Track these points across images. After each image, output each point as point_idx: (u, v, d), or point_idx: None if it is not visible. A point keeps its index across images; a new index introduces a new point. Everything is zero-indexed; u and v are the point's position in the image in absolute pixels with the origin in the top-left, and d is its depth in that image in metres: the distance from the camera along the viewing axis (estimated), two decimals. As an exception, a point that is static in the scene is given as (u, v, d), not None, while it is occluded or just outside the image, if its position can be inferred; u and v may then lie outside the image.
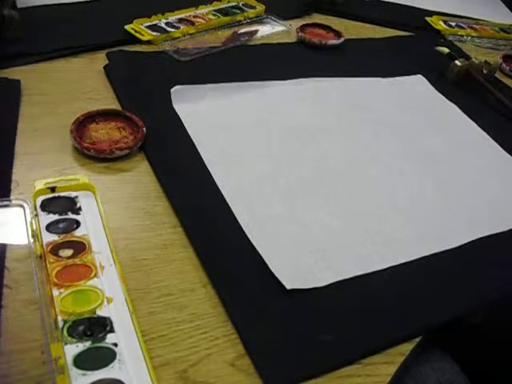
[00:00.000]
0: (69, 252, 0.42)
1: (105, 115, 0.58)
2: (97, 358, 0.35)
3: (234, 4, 0.88)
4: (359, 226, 0.51)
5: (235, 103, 0.65)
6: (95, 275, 0.40)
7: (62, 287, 0.39)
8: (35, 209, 0.45)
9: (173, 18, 0.80)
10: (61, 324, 0.37)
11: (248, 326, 0.40)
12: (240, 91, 0.67)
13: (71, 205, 0.46)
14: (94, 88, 0.64)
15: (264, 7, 0.88)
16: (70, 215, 0.45)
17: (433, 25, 0.97)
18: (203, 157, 0.55)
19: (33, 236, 0.43)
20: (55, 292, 0.38)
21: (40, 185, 0.47)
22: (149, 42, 0.74)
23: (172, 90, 0.63)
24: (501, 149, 0.66)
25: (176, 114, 0.61)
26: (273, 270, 0.44)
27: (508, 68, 0.86)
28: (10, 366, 0.35)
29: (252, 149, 0.59)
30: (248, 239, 0.47)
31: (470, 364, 0.49)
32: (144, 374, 0.35)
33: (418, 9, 1.04)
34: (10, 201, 0.46)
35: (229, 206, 0.50)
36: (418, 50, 0.86)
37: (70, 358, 0.35)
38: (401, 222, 0.53)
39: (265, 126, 0.62)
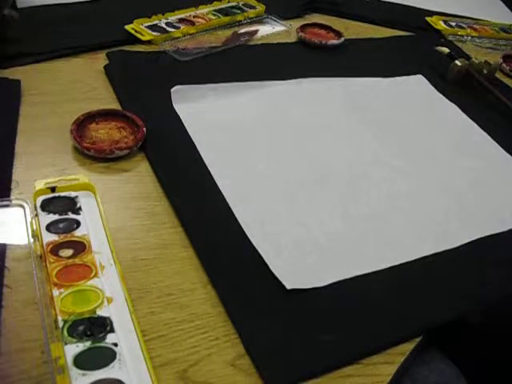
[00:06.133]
0: (69, 252, 0.42)
1: (105, 115, 0.58)
2: (97, 357, 0.35)
3: (234, 4, 0.88)
4: (359, 226, 0.51)
5: (235, 103, 0.65)
6: (95, 275, 0.40)
7: (62, 287, 0.39)
8: (35, 209, 0.45)
9: (173, 18, 0.80)
10: (61, 324, 0.37)
11: (248, 326, 0.40)
12: (240, 91, 0.67)
13: (71, 205, 0.46)
14: (94, 88, 0.64)
15: (264, 7, 0.88)
16: (70, 215, 0.45)
17: (433, 25, 0.97)
18: (203, 157, 0.55)
19: (33, 236, 0.43)
20: (55, 292, 0.38)
21: (40, 185, 0.47)
22: (149, 42, 0.74)
23: (172, 90, 0.63)
24: (501, 149, 0.66)
25: (176, 114, 0.61)
26: (273, 270, 0.44)
27: (508, 68, 0.86)
28: (10, 365, 0.35)
29: (252, 149, 0.59)
30: (248, 239, 0.47)
31: (469, 365, 0.49)
32: (144, 373, 0.35)
33: (418, 9, 1.04)
34: (10, 201, 0.46)
35: (229, 206, 0.50)
36: (418, 50, 0.86)
37: (70, 358, 0.35)
38: (401, 221, 0.53)
39: (265, 125, 0.62)
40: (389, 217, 0.53)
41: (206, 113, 0.62)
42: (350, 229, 0.51)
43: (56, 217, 0.45)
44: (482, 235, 0.52)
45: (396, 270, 0.47)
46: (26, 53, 0.66)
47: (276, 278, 0.44)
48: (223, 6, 0.87)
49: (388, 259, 0.48)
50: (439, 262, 0.49)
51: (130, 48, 0.73)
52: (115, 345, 0.36)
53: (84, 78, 0.65)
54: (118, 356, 0.35)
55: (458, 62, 0.78)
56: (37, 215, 0.45)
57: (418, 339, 0.42)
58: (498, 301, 0.47)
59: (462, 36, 0.96)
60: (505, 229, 0.54)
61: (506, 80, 0.84)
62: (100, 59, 0.69)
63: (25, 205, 0.45)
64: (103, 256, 0.42)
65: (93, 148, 0.53)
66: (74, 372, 0.34)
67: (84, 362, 0.35)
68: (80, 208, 0.46)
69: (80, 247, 0.42)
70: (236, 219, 0.49)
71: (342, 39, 0.83)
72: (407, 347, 0.41)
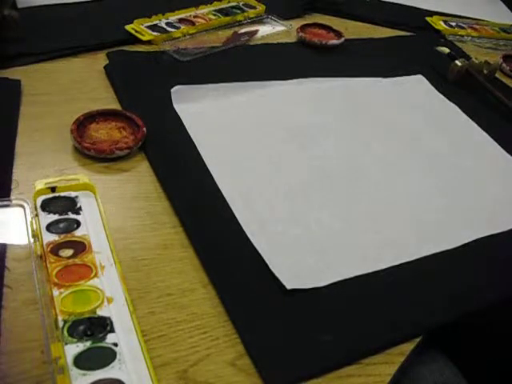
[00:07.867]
0: (69, 252, 0.42)
1: (105, 115, 0.58)
2: (97, 357, 0.35)
3: (234, 4, 0.88)
4: (359, 226, 0.51)
5: (235, 103, 0.65)
6: (95, 275, 0.40)
7: (62, 287, 0.39)
8: (35, 209, 0.45)
9: (173, 18, 0.80)
10: (61, 324, 0.37)
11: (248, 326, 0.40)
12: (240, 91, 0.67)
13: (71, 205, 0.46)
14: (94, 88, 0.64)
15: (264, 7, 0.88)
16: (71, 215, 0.45)
17: (433, 25, 0.97)
18: (203, 157, 0.55)
19: (33, 236, 0.43)
20: (55, 292, 0.38)
21: (40, 185, 0.47)
22: (149, 42, 0.74)
23: (172, 90, 0.63)
24: (501, 149, 0.66)
25: (176, 113, 0.61)
26: (273, 270, 0.44)
27: (508, 68, 0.86)
28: (10, 365, 0.35)
29: (252, 149, 0.58)
30: (248, 239, 0.47)
31: (468, 365, 0.49)
32: (144, 374, 0.35)
33: (418, 9, 1.04)
34: (10, 201, 0.46)
35: (229, 206, 0.50)
36: (418, 50, 0.86)
37: (70, 358, 0.35)
38: (401, 221, 0.53)
39: (265, 125, 0.62)
40: (389, 217, 0.53)
41: (206, 113, 0.62)
42: (350, 229, 0.51)
43: (56, 217, 0.45)
44: (482, 235, 0.52)
45: (396, 269, 0.47)
46: (26, 53, 0.66)
47: (276, 278, 0.44)
48: (223, 5, 0.87)
49: (388, 259, 0.48)
50: (439, 262, 0.49)
51: (130, 48, 0.73)
52: (115, 345, 0.36)
53: (84, 78, 0.65)
54: (118, 356, 0.35)
55: (458, 62, 0.78)
56: (37, 215, 0.45)
57: (417, 339, 0.42)
58: (498, 301, 0.47)
59: (462, 36, 0.96)
60: (505, 229, 0.54)
61: (506, 80, 0.84)
62: (100, 59, 0.69)
63: (25, 205, 0.45)
64: (103, 256, 0.42)
65: (93, 148, 0.53)
66: (74, 372, 0.34)
67: (84, 362, 0.35)
68: (80, 208, 0.46)
69: (80, 247, 0.42)
70: (236, 219, 0.49)
71: (342, 39, 0.83)
72: (407, 347, 0.41)
